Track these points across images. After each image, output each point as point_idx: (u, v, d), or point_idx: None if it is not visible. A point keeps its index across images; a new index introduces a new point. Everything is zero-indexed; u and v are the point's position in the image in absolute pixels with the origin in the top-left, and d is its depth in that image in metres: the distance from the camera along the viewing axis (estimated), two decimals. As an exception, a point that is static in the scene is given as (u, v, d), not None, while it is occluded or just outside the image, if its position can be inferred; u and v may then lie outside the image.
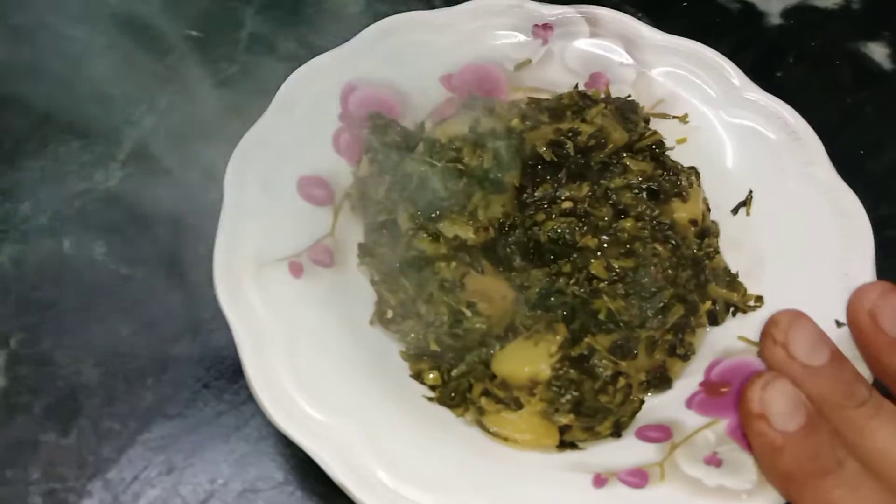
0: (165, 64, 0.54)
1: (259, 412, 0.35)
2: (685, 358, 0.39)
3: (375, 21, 0.47)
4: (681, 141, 0.47)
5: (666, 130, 0.47)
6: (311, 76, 0.45)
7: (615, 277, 0.38)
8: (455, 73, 0.48)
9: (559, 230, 0.39)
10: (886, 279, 0.42)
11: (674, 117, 0.47)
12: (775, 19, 0.61)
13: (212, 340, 0.42)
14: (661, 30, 0.50)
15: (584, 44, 0.49)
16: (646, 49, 0.49)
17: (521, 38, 0.49)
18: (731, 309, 0.41)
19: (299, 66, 0.45)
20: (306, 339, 0.37)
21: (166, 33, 0.55)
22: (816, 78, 0.58)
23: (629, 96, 0.46)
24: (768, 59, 0.58)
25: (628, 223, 0.40)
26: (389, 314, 0.40)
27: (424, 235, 0.40)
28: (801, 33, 0.60)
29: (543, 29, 0.49)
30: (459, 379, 0.37)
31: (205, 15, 0.57)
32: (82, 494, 0.37)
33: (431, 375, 0.38)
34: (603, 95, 0.47)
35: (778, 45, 0.60)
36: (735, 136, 0.46)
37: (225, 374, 0.42)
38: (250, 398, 0.35)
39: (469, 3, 0.49)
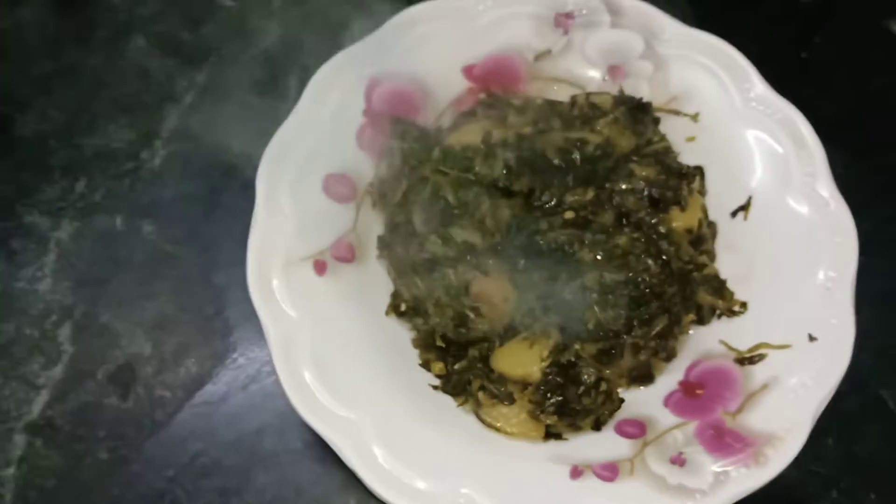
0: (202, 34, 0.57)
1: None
2: (668, 359, 0.44)
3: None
4: (690, 139, 0.49)
5: (677, 127, 0.49)
6: (337, 72, 0.47)
7: (607, 290, 0.42)
8: (477, 64, 0.50)
9: (559, 241, 0.43)
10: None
11: (685, 115, 0.49)
12: (809, -8, 0.60)
13: (243, 319, 0.48)
14: (693, 4, 0.50)
15: (605, 35, 0.50)
16: (666, 42, 0.50)
17: (544, 27, 0.50)
18: (718, 313, 0.45)
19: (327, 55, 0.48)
20: (328, 334, 0.42)
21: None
22: (845, 57, 0.58)
23: (641, 99, 0.48)
24: (797, 37, 0.58)
25: (623, 239, 0.43)
26: (403, 307, 0.44)
27: (436, 239, 0.44)
28: (834, 9, 0.59)
29: (565, 17, 0.50)
30: (461, 373, 0.43)
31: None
32: (139, 452, 0.45)
33: (437, 366, 0.43)
34: (616, 94, 0.49)
35: (808, 22, 0.59)
36: (743, 140, 0.48)
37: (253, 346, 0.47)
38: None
39: (493, -11, 0.50)
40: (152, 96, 0.55)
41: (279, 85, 0.55)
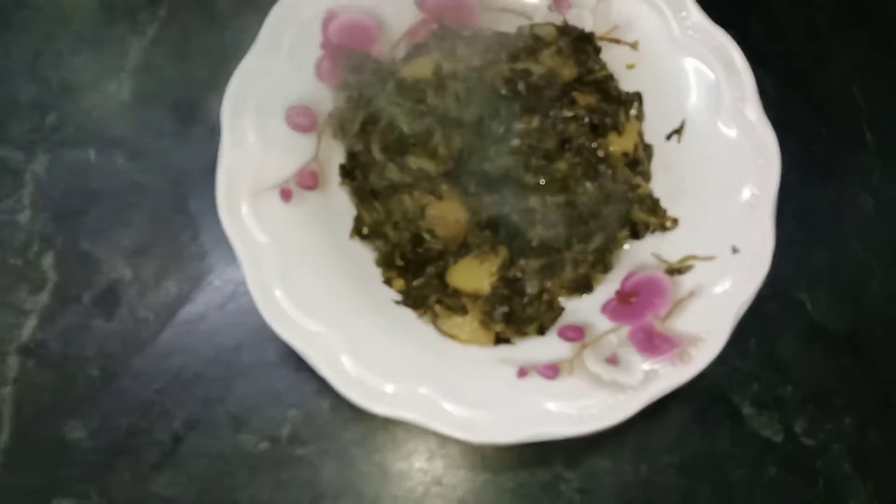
0: (162, -32, 0.58)
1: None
2: (605, 270, 0.48)
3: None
4: (630, 66, 0.52)
5: (617, 55, 0.52)
6: (293, 6, 0.49)
7: (549, 210, 0.46)
8: (428, -5, 0.52)
9: (507, 167, 0.46)
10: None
11: (625, 44, 0.52)
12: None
13: (217, 243, 0.51)
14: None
15: (551, -35, 0.52)
16: None
17: (492, -41, 0.52)
18: (651, 228, 0.49)
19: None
20: (296, 256, 0.45)
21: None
22: None
23: (583, 30, 0.51)
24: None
25: (564, 164, 0.46)
26: (365, 231, 0.48)
27: (393, 167, 0.47)
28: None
29: (514, -51, 0.52)
30: (420, 288, 0.47)
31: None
32: (127, 368, 0.49)
33: (399, 282, 0.47)
34: (560, 25, 0.51)
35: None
36: (680, 66, 0.50)
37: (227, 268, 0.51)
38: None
39: (443, -78, 0.52)
40: (115, 29, 0.56)
41: (240, 17, 0.56)
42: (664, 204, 0.50)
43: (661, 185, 0.50)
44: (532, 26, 0.51)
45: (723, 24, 0.50)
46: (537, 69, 0.48)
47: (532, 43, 0.50)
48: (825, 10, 0.60)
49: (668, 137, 0.51)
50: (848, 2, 0.60)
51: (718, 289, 0.46)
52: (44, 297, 0.50)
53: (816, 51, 0.59)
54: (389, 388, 0.43)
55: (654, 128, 0.51)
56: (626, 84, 0.52)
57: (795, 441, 0.49)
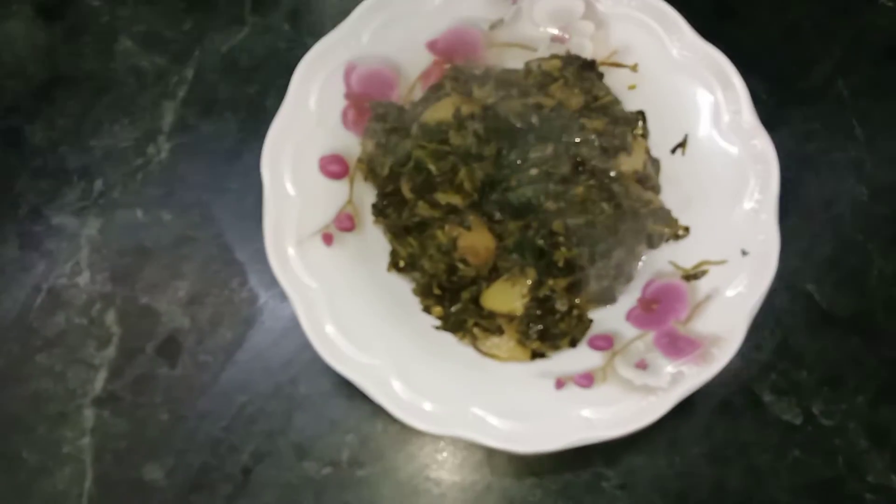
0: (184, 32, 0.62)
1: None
2: (626, 282, 0.52)
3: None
4: (631, 87, 0.55)
5: (619, 78, 0.56)
6: (316, 62, 0.52)
7: (570, 232, 0.50)
8: (438, 38, 0.55)
9: (527, 194, 0.50)
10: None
11: (625, 67, 0.55)
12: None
13: (264, 287, 0.55)
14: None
15: (549, 0, 0.56)
16: (604, 2, 0.55)
17: (494, -1, 0.56)
18: (665, 238, 0.53)
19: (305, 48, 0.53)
20: (342, 294, 0.49)
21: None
22: None
23: (586, 59, 0.54)
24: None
25: (580, 188, 0.50)
26: (401, 263, 0.52)
27: (423, 204, 0.51)
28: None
29: (513, -13, 0.56)
30: (458, 314, 0.51)
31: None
32: (194, 410, 0.52)
33: (437, 309, 0.51)
34: (563, 55, 0.55)
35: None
36: (677, 84, 0.54)
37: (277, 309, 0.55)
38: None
39: (446, -32, 0.55)
40: (148, 94, 0.60)
41: (261, 70, 0.61)
42: (675, 213, 0.53)
43: (669, 196, 0.54)
44: (539, 63, 0.54)
45: (712, 36, 0.53)
46: (548, 102, 0.52)
47: (541, 78, 0.53)
48: (806, 13, 0.63)
49: (673, 151, 0.54)
50: (827, 2, 0.64)
51: (732, 290, 0.49)
52: (110, 351, 0.54)
53: (802, 52, 0.62)
54: (438, 409, 0.47)
55: (658, 143, 0.55)
56: (630, 104, 0.55)
57: (814, 422, 0.53)
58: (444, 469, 0.52)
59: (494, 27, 0.56)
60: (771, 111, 0.59)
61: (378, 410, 0.47)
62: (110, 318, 0.54)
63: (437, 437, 0.48)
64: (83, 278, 0.55)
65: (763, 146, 0.52)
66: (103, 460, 0.52)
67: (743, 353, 0.51)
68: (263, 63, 0.61)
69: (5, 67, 0.60)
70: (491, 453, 0.52)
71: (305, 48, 0.52)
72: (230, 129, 0.59)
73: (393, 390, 0.47)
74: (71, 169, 0.58)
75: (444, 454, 0.52)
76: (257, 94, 0.60)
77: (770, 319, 0.55)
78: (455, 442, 0.48)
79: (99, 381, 0.53)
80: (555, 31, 0.56)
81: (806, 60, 0.62)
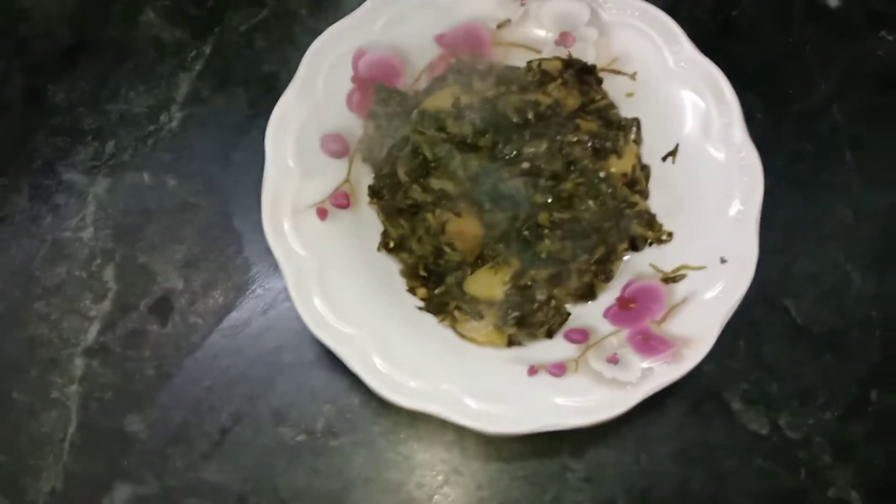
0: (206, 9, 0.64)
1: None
2: (606, 280, 0.54)
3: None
4: (629, 95, 0.57)
5: (617, 84, 0.57)
6: (327, 45, 0.54)
7: (555, 226, 0.51)
8: (447, 33, 0.57)
9: (518, 187, 0.52)
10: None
11: (625, 74, 0.57)
12: (740, -46, 0.67)
13: (259, 257, 0.57)
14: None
15: (557, 5, 0.58)
16: (609, 10, 0.57)
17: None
18: (648, 241, 0.54)
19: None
20: (332, 268, 0.51)
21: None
22: (769, 14, 0.65)
23: (586, 63, 0.56)
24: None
25: (569, 185, 0.52)
26: (391, 244, 0.54)
27: (417, 188, 0.53)
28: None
29: (522, -11, 0.58)
30: (441, 296, 0.52)
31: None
32: (180, 368, 0.54)
33: (422, 291, 0.53)
34: (565, 58, 0.57)
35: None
36: (674, 94, 0.55)
37: (269, 279, 0.57)
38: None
39: (459, -33, 0.57)
40: (166, 65, 0.62)
41: (276, 52, 0.63)
42: (661, 218, 0.54)
43: (657, 201, 0.55)
44: (540, 61, 0.56)
45: (714, 52, 0.55)
46: (545, 100, 0.54)
47: (540, 76, 0.55)
48: (807, 36, 0.65)
49: (664, 159, 0.56)
50: (829, 29, 0.65)
51: (708, 295, 0.51)
52: (105, 305, 0.56)
53: (800, 74, 0.64)
54: (415, 384, 0.48)
55: (651, 150, 0.56)
56: (626, 111, 0.57)
57: (780, 434, 0.54)
58: (417, 445, 0.53)
59: (502, 26, 0.58)
60: (765, 128, 0.61)
61: (357, 384, 0.49)
62: (109, 273, 0.56)
63: (411, 416, 0.49)
64: (87, 233, 0.57)
65: (750, 158, 0.53)
66: (88, 408, 0.53)
67: (716, 359, 0.53)
68: (278, 45, 0.62)
69: (35, 28, 0.63)
70: (463, 434, 0.54)
71: (319, 34, 0.54)
72: (241, 104, 0.61)
73: (372, 363, 0.49)
74: (86, 129, 0.60)
75: (418, 431, 0.54)
76: (269, 74, 0.62)
77: (745, 329, 0.56)
78: (429, 420, 0.49)
79: (92, 333, 0.55)
80: (559, 35, 0.58)
81: (804, 83, 0.63)
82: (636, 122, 0.57)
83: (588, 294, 0.53)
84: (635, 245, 0.54)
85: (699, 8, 0.65)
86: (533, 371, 0.50)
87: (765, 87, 0.62)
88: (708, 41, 0.56)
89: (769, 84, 0.63)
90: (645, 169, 0.56)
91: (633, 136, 0.56)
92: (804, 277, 0.58)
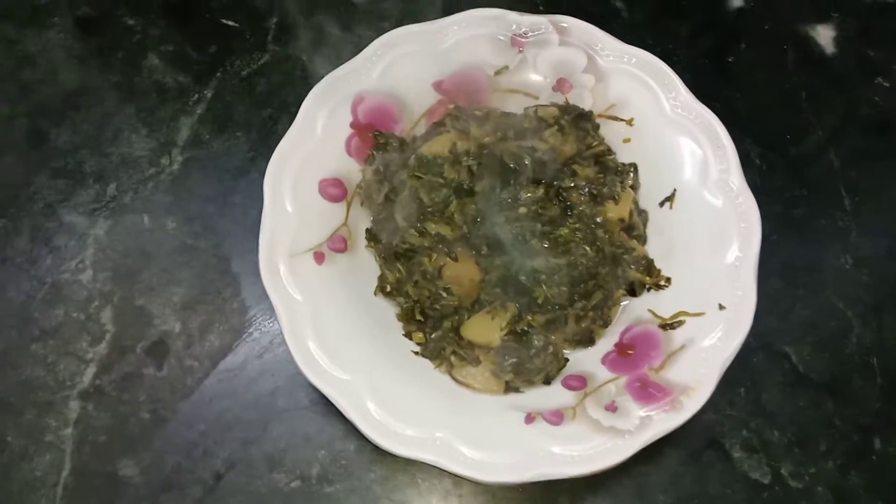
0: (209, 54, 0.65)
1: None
2: (604, 325, 0.53)
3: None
4: (626, 140, 0.57)
5: (614, 130, 0.58)
6: (327, 90, 0.55)
7: (552, 271, 0.51)
8: (445, 79, 0.58)
9: (515, 232, 0.52)
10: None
11: (622, 120, 0.58)
12: (737, 1, 0.68)
13: (256, 300, 0.57)
14: (631, 11, 0.58)
15: (554, 51, 0.58)
16: (606, 57, 0.57)
17: (501, 46, 0.58)
18: (647, 287, 0.54)
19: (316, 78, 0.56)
20: (327, 312, 0.51)
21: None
22: (764, 60, 0.66)
23: (583, 110, 0.57)
24: (724, 43, 0.67)
25: (566, 230, 0.52)
26: (388, 288, 0.54)
27: (414, 232, 0.53)
28: (759, 15, 0.68)
29: (519, 37, 0.58)
30: (437, 341, 0.52)
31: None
32: (175, 412, 0.54)
33: (418, 335, 0.53)
34: (562, 105, 0.57)
35: (735, 28, 0.67)
36: (670, 141, 0.55)
37: (265, 322, 0.57)
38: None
39: (458, 14, 0.58)
40: (167, 108, 0.63)
41: (276, 96, 0.63)
42: (659, 263, 0.54)
43: (655, 246, 0.55)
44: (536, 108, 0.57)
45: (710, 97, 0.55)
46: (541, 146, 0.54)
47: (537, 123, 0.55)
48: (802, 83, 0.65)
49: (661, 204, 0.56)
50: (825, 75, 0.66)
51: (707, 342, 0.50)
52: (102, 348, 0.56)
53: (796, 120, 0.64)
54: (410, 432, 0.48)
55: (648, 195, 0.56)
56: (623, 156, 0.57)
57: (782, 483, 0.53)
58: (411, 493, 0.53)
59: (499, 73, 0.58)
60: (761, 173, 0.61)
61: (351, 430, 0.49)
62: (106, 315, 0.56)
63: (407, 462, 0.48)
64: (86, 275, 0.58)
65: (747, 205, 0.53)
66: (82, 451, 0.53)
67: (715, 407, 0.52)
68: (279, 89, 0.64)
69: (39, 72, 0.64)
70: (459, 482, 0.53)
71: (319, 79, 0.55)
72: (241, 147, 0.62)
73: (367, 409, 0.49)
74: (88, 172, 0.61)
75: (414, 478, 0.53)
76: (270, 118, 0.63)
77: (745, 377, 0.56)
78: (425, 467, 0.49)
79: (88, 375, 0.55)
80: (556, 81, 0.58)
81: (799, 128, 0.64)
82: (633, 167, 0.57)
83: (586, 340, 0.53)
84: (633, 290, 0.54)
85: (695, 53, 0.66)
86: (530, 419, 0.49)
87: (760, 132, 0.63)
88: (702, 85, 0.56)
89: (764, 129, 0.63)
90: (643, 214, 0.56)
91: (630, 182, 0.56)
92: (803, 324, 0.58)
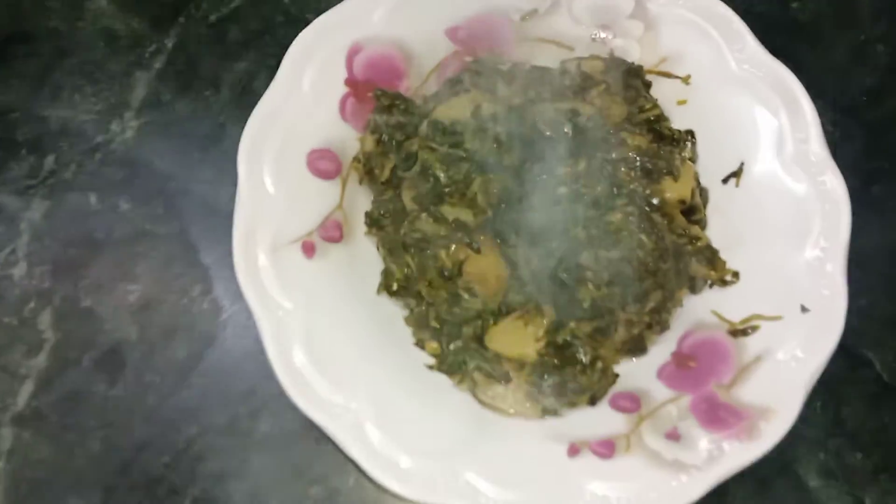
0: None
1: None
2: (661, 330, 0.45)
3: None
4: (681, 102, 0.49)
5: (666, 90, 0.49)
6: (315, 39, 0.48)
7: (601, 268, 0.42)
8: (461, 25, 0.50)
9: (552, 217, 0.43)
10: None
11: (676, 77, 0.49)
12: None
13: (231, 298, 0.48)
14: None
15: (593, -9, 0.50)
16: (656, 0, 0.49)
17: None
18: (709, 282, 0.45)
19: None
20: (319, 317, 0.43)
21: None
22: (836, 7, 0.58)
23: (633, 63, 0.47)
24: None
25: (617, 216, 0.43)
26: (394, 286, 0.45)
27: (426, 217, 0.44)
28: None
29: (551, -27, 0.49)
30: (456, 353, 0.44)
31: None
32: (132, 440, 0.45)
33: (432, 345, 0.44)
34: (606, 57, 0.48)
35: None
36: (736, 103, 0.48)
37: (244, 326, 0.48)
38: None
39: (477, -52, 0.49)
40: (119, 62, 0.54)
41: (254, 47, 0.55)
42: (722, 254, 0.46)
43: (716, 233, 0.47)
44: (578, 61, 0.48)
45: (772, 54, 0.48)
46: (586, 109, 0.45)
47: (579, 80, 0.47)
48: (880, 35, 0.57)
49: (725, 181, 0.48)
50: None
51: (787, 353, 0.43)
52: (41, 360, 0.47)
53: (872, 79, 0.56)
54: (421, 468, 0.41)
55: (708, 169, 0.49)
56: (678, 122, 0.49)
57: (869, 516, 0.46)
58: (425, 537, 0.44)
59: (527, 18, 0.50)
60: (836, 143, 0.52)
61: (350, 460, 0.41)
62: (45, 320, 0.48)
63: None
64: (18, 270, 0.49)
65: (833, 183, 0.46)
66: (19, 491, 0.45)
67: (787, 427, 0.44)
68: (257, 38, 0.55)
69: (-41, 18, 0.54)
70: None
71: (307, 24, 0.48)
72: (210, 110, 0.53)
73: (368, 439, 0.41)
74: (20, 140, 0.52)
75: (425, 519, 0.45)
76: (245, 74, 0.54)
77: (821, 389, 0.47)
78: (440, 505, 0.41)
79: (23, 395, 0.47)
80: (597, 30, 0.50)
81: (877, 88, 0.56)
82: (690, 135, 0.49)
83: (637, 348, 0.44)
84: (693, 286, 0.46)
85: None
86: (574, 451, 0.41)
87: (831, 94, 0.55)
88: (761, 38, 0.49)
89: (836, 91, 0.55)
90: (703, 193, 0.48)
91: (687, 154, 0.48)
92: (888, 323, 0.50)
